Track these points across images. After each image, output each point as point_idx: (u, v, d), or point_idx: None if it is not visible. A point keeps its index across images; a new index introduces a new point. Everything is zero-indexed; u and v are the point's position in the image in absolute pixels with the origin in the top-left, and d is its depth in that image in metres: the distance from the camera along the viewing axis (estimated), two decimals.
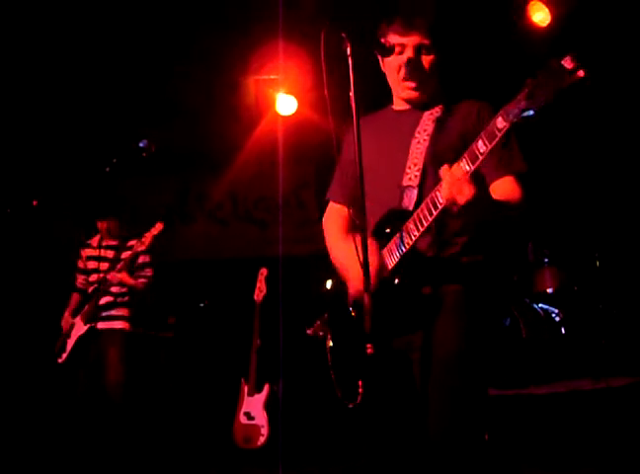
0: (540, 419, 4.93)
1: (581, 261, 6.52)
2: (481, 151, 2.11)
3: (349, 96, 2.25)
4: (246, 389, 5.70)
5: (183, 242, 5.28)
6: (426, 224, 2.30)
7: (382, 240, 2.47)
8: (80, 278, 5.52)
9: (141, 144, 4.08)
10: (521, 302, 6.13)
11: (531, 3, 5.72)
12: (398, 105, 2.71)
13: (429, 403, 2.36)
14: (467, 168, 2.13)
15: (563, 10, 5.65)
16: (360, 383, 2.43)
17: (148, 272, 5.34)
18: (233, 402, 5.70)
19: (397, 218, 2.45)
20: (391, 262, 2.43)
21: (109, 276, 5.17)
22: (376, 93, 2.70)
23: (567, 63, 1.88)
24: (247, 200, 8.20)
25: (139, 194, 7.73)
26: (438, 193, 2.25)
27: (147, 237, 5.08)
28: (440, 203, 2.23)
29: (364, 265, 2.13)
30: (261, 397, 5.61)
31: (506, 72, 5.81)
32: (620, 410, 4.79)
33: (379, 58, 2.64)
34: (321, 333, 2.77)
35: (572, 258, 6.54)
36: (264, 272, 6.01)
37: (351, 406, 2.47)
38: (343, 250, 2.66)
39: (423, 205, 2.32)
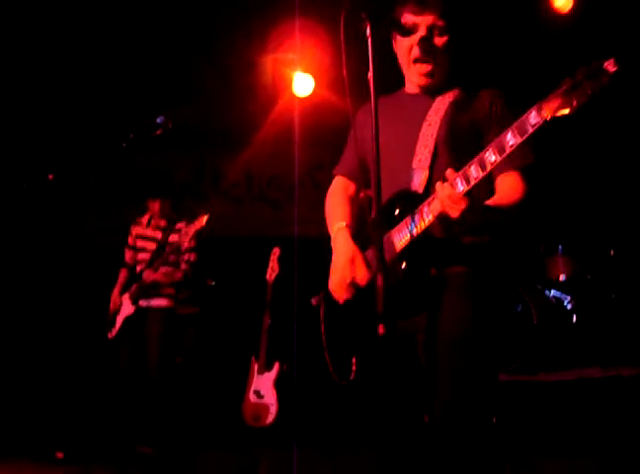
0: (549, 406, 4.94)
1: (595, 249, 6.49)
2: (510, 144, 2.09)
3: (367, 77, 2.24)
4: (256, 367, 5.72)
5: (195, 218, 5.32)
6: (431, 219, 2.31)
7: (391, 220, 2.46)
8: (129, 254, 5.70)
9: (158, 120, 4.08)
10: (533, 288, 6.11)
11: None
12: (410, 88, 2.69)
13: (435, 385, 2.37)
14: (493, 158, 2.13)
15: None
16: (353, 361, 2.45)
17: (192, 256, 5.48)
18: (243, 380, 5.74)
19: (406, 200, 2.44)
20: (400, 243, 2.42)
21: (144, 276, 5.37)
22: (390, 75, 2.69)
23: (610, 66, 1.86)
24: (262, 180, 8.19)
25: (154, 170, 7.74)
26: (428, 206, 2.31)
27: (191, 229, 5.16)
28: (428, 219, 2.29)
29: (378, 245, 2.13)
30: (271, 375, 5.64)
31: (523, 58, 5.79)
32: (630, 399, 4.78)
33: (393, 40, 2.61)
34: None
35: (585, 246, 6.51)
36: (276, 251, 6.02)
37: (344, 384, 2.49)
38: (336, 218, 2.71)
39: (431, 199, 2.31)
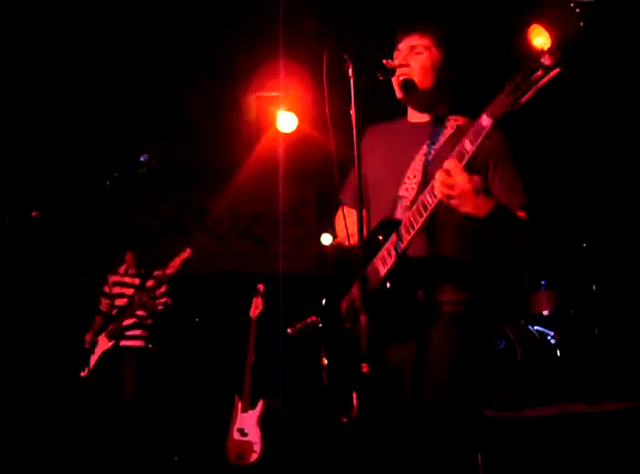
0: (534, 441, 4.92)
1: (577, 284, 6.53)
2: (467, 149, 2.15)
3: (349, 115, 2.27)
4: (240, 405, 5.68)
5: (176, 254, 5.36)
6: (417, 227, 2.32)
7: (375, 248, 2.48)
8: (104, 302, 5.85)
9: (142, 158, 4.10)
10: (517, 324, 6.12)
11: (532, 27, 5.75)
12: (411, 117, 2.73)
13: (421, 420, 2.36)
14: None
15: (564, 35, 5.69)
16: (354, 397, 2.43)
17: (168, 301, 5.64)
18: (227, 418, 5.68)
19: (389, 226, 2.46)
20: (384, 268, 2.43)
21: (136, 298, 5.50)
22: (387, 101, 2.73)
23: (545, 60, 1.97)
24: (246, 217, 8.22)
25: (139, 208, 7.75)
26: (427, 195, 2.29)
27: (176, 261, 5.38)
28: (430, 204, 2.27)
29: (361, 282, 2.14)
30: (254, 413, 5.59)
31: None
32: (614, 434, 4.78)
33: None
34: (301, 332, 2.77)
35: (568, 281, 6.54)
36: (260, 288, 6.02)
37: (345, 421, 2.47)
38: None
39: (414, 209, 2.34)
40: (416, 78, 2.55)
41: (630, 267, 6.59)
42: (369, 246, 2.47)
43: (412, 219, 2.34)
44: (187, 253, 5.38)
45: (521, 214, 2.44)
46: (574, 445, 4.69)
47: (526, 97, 2.03)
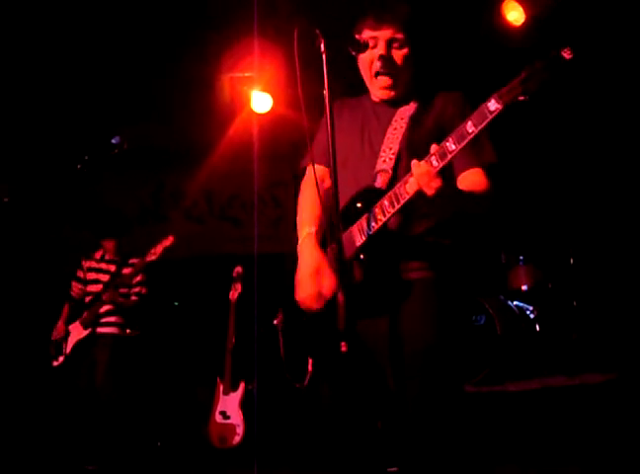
0: (515, 415, 4.96)
1: (555, 258, 6.56)
2: (469, 131, 2.16)
3: (322, 93, 2.24)
4: (221, 388, 5.66)
5: (157, 241, 5.30)
6: (402, 201, 2.33)
7: (353, 216, 2.48)
8: (76, 287, 5.75)
9: (113, 140, 4.05)
10: (496, 299, 6.15)
11: (505, 2, 5.73)
12: (375, 96, 2.71)
13: (401, 398, 2.36)
14: (453, 147, 2.18)
15: (537, 10, 5.67)
16: (309, 362, 2.44)
17: (142, 290, 5.59)
18: (208, 401, 5.67)
19: (370, 195, 2.46)
20: (360, 238, 2.44)
21: (104, 297, 5.44)
22: (355, 81, 2.70)
23: (566, 54, 2.00)
24: (222, 198, 8.16)
25: (114, 192, 7.67)
26: (402, 187, 2.31)
27: (158, 248, 5.31)
28: (403, 197, 2.30)
29: (339, 260, 2.13)
30: (236, 396, 5.58)
31: (480, 67, 5.87)
32: (595, 406, 4.82)
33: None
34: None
35: (546, 255, 6.57)
36: (239, 270, 5.99)
37: (298, 386, 2.48)
38: (305, 222, 2.68)
39: (400, 183, 2.34)
40: (399, 71, 2.57)
41: (607, 239, 6.63)
42: (348, 212, 2.48)
43: (398, 194, 2.34)
44: (169, 240, 5.32)
45: (481, 176, 2.47)
46: (555, 418, 4.74)
47: (538, 87, 2.05)
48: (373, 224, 2.40)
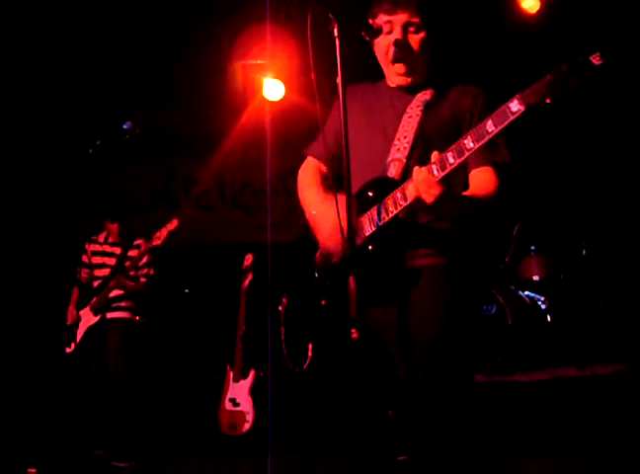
0: (526, 406, 4.95)
1: (567, 249, 6.54)
2: (489, 131, 2.12)
3: (335, 81, 2.22)
4: (231, 375, 5.67)
5: (162, 225, 5.30)
6: (400, 208, 2.32)
7: (364, 205, 2.46)
8: (83, 272, 5.72)
9: (125, 126, 4.05)
10: (507, 289, 6.13)
11: None
12: (391, 82, 2.67)
13: (412, 388, 2.36)
14: (471, 145, 2.15)
15: None
16: (309, 347, 2.43)
17: (150, 271, 5.55)
18: (218, 388, 5.69)
19: (382, 185, 2.43)
20: (370, 228, 2.42)
21: (112, 283, 5.41)
22: (367, 64, 2.68)
23: (595, 60, 1.95)
24: (233, 186, 8.16)
25: (125, 177, 7.68)
26: (402, 191, 2.31)
27: (163, 232, 5.25)
28: (400, 204, 2.30)
29: (350, 248, 2.12)
30: (246, 383, 5.59)
31: (496, 56, 5.84)
32: (605, 397, 4.81)
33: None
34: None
35: (558, 246, 6.55)
36: (249, 258, 5.98)
37: (297, 370, 2.47)
38: (318, 204, 2.63)
39: (399, 191, 2.32)
40: (415, 56, 2.53)
41: (619, 230, 6.60)
42: (359, 200, 2.46)
43: (397, 198, 2.33)
44: (173, 224, 5.26)
45: (492, 175, 2.44)
46: (565, 409, 4.73)
47: (565, 92, 2.00)
48: (384, 216, 2.37)
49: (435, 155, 2.21)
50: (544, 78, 2.02)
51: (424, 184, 2.17)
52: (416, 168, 2.21)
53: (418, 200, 2.22)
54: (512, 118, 2.08)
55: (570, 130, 6.76)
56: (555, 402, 4.91)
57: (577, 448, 4.14)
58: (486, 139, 2.13)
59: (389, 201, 2.36)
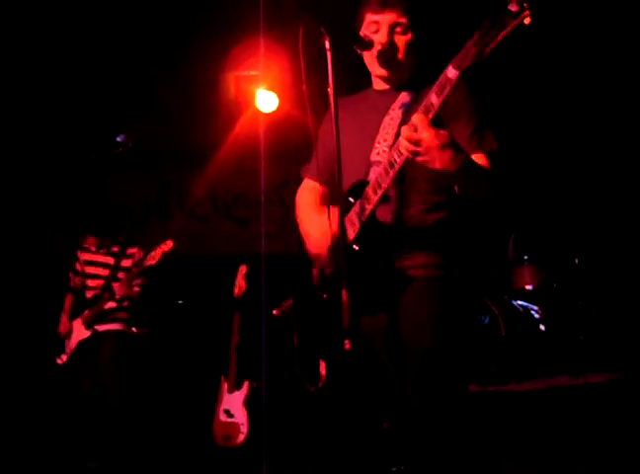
0: (520, 415, 4.95)
1: (560, 258, 6.55)
2: (433, 102, 2.11)
3: (327, 92, 2.24)
4: (225, 386, 5.67)
5: (161, 239, 5.29)
6: (384, 185, 2.30)
7: (345, 210, 2.44)
8: (76, 280, 5.63)
9: (119, 139, 4.06)
10: (500, 299, 6.15)
11: None
12: (377, 85, 2.68)
13: (405, 398, 2.36)
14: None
15: None
16: (322, 366, 2.43)
17: (144, 281, 5.45)
18: (212, 400, 5.68)
19: (360, 188, 2.43)
20: (352, 231, 2.41)
21: (115, 289, 5.32)
22: (357, 77, 2.69)
23: (512, 6, 1.89)
24: (227, 197, 8.18)
25: (118, 190, 7.68)
26: (394, 152, 2.25)
27: (157, 252, 5.20)
28: (397, 162, 2.23)
29: (342, 254, 2.13)
30: (240, 394, 5.59)
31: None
32: (599, 406, 4.82)
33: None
34: (285, 312, 2.77)
35: (551, 255, 6.56)
36: (243, 269, 5.99)
37: (312, 390, 2.47)
38: (313, 223, 2.67)
39: (380, 168, 2.32)
40: (401, 57, 2.52)
41: (612, 239, 6.62)
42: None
43: (379, 179, 2.32)
44: (168, 245, 5.20)
45: (484, 161, 2.40)
46: (559, 418, 4.73)
47: (492, 46, 1.96)
48: (362, 214, 2.37)
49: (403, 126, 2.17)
50: (471, 39, 2.00)
51: (415, 131, 2.11)
52: (403, 126, 2.16)
53: (412, 152, 2.14)
54: (450, 85, 2.06)
55: (563, 139, 6.80)
56: (549, 411, 4.91)
57: (572, 458, 4.14)
58: (433, 112, 2.11)
59: (364, 201, 2.36)
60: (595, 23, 5.65)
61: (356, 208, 2.42)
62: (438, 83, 2.11)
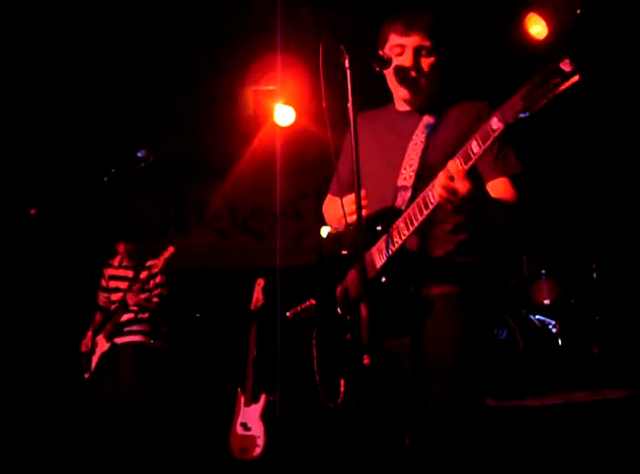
0: (537, 430, 4.92)
1: (577, 273, 6.52)
2: (474, 151, 2.11)
3: (346, 107, 2.25)
4: (242, 400, 5.68)
5: (179, 252, 5.34)
6: (416, 223, 2.30)
7: (373, 237, 2.47)
8: (102, 297, 5.78)
9: (140, 154, 4.09)
10: (518, 313, 6.12)
11: (529, 16, 5.74)
12: (399, 106, 2.70)
13: (425, 412, 2.37)
14: (461, 167, 2.14)
15: (560, 23, 5.67)
16: (342, 383, 2.44)
17: (163, 291, 5.56)
18: (229, 413, 5.68)
19: (389, 216, 2.44)
20: (380, 260, 2.42)
21: (127, 298, 5.42)
22: (378, 91, 2.70)
23: (565, 66, 1.87)
24: (245, 210, 8.20)
25: (137, 203, 7.74)
26: (429, 192, 2.26)
27: (160, 260, 5.35)
28: (432, 203, 2.24)
29: (362, 272, 2.14)
30: (257, 407, 5.59)
31: (504, 79, 5.88)
32: (617, 422, 4.78)
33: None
34: (299, 315, 2.78)
35: (569, 270, 6.54)
36: (261, 282, 6.00)
37: (331, 406, 2.47)
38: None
39: (414, 204, 2.32)
40: (424, 80, 2.54)
41: (630, 253, 6.58)
42: (368, 232, 2.46)
43: (412, 216, 2.32)
44: (169, 252, 5.34)
45: (508, 185, 2.44)
46: (577, 434, 4.70)
47: (541, 105, 1.93)
48: (391, 246, 2.38)
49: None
50: (518, 93, 1.97)
51: (451, 180, 2.14)
52: (450, 162, 2.17)
53: (445, 200, 2.17)
54: (493, 135, 2.06)
55: (580, 151, 6.78)
56: (567, 427, 4.88)
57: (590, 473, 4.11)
58: (473, 161, 2.12)
59: (394, 232, 2.37)
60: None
61: (385, 238, 2.42)
62: (480, 132, 2.09)
